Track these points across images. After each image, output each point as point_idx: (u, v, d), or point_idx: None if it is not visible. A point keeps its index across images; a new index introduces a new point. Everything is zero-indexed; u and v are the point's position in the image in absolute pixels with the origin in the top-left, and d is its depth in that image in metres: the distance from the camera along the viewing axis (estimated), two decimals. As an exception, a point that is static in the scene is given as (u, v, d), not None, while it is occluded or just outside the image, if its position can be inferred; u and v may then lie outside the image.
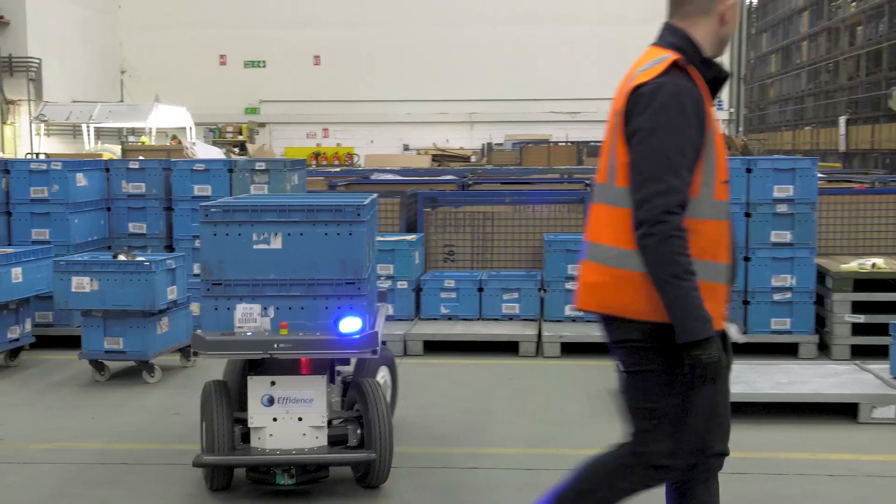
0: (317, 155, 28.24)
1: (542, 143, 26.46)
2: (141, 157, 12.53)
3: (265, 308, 4.70)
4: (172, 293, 7.24)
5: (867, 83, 35.24)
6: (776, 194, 7.71)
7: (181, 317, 7.50)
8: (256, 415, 4.72)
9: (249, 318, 4.69)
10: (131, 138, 27.30)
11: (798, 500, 4.75)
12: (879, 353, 6.86)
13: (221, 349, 4.71)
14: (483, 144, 28.31)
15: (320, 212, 4.73)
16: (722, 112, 31.22)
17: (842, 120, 34.23)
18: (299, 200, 5.20)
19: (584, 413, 6.32)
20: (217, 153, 19.70)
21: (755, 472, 5.10)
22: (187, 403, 6.29)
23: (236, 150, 26.35)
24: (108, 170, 8.89)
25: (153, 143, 24.36)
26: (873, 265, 7.97)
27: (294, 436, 4.73)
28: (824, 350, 7.79)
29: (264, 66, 32.34)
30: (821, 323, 7.93)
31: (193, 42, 31.12)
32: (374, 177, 13.67)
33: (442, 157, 25.40)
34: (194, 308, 7.59)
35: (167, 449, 5.60)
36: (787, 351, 7.74)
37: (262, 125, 32.49)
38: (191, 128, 25.91)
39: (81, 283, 6.95)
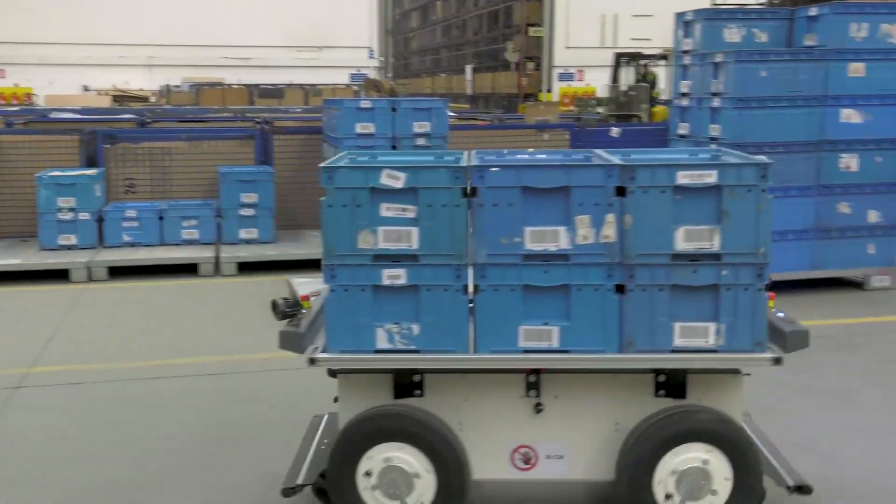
0: (-6, 95, 25.30)
1: (217, 86, 25.48)
2: None
3: None
4: None
5: (488, 38, 37.14)
6: (416, 129, 7.95)
7: None
8: None
9: None
10: None
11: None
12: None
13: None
14: (162, 86, 26.74)
15: None
16: (373, 60, 31.66)
17: (468, 68, 35.94)
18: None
19: (259, 323, 6.24)
20: None
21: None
22: None
23: None
24: None
25: None
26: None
27: None
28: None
29: (-68, 6, 28.27)
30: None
31: None
32: (53, 115, 12.51)
33: (122, 98, 23.72)
34: None
35: None
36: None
37: (-64, 65, 28.51)
38: None
39: None
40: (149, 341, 5.81)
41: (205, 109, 16.88)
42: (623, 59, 19.25)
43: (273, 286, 6.88)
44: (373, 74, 30.58)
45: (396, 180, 3.00)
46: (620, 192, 3.01)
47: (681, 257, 3.05)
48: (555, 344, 3.08)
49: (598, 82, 28.78)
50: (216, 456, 3.96)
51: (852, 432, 4.10)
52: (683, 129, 7.25)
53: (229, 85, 26.16)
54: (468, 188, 3.01)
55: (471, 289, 3.08)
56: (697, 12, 7.02)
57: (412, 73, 49.29)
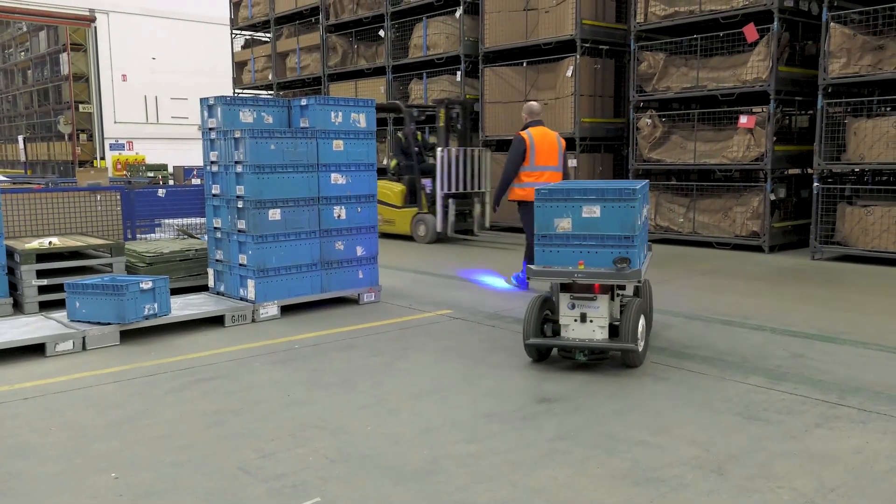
0: None
1: None
2: None
3: None
4: None
5: (40, 112, 33.45)
6: (-35, 194, 6.83)
7: None
8: None
9: None
10: None
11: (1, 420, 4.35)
12: (61, 305, 6.63)
13: None
14: None
15: None
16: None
17: (20, 139, 31.99)
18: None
19: None
20: None
21: (-37, 410, 4.51)
22: None
23: None
24: None
25: None
26: (50, 243, 7.64)
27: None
28: (20, 308, 7.23)
29: None
30: (15, 288, 7.33)
31: None
32: None
33: None
34: None
35: None
36: (-13, 314, 6.98)
37: None
38: None
39: None
40: None
41: None
42: None
43: None
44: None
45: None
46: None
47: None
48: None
49: (145, 151, 27.44)
50: None
51: (354, 409, 4.49)
52: (216, 189, 7.27)
53: None
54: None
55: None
56: (217, 98, 7.10)
57: (-38, 141, 41.73)
